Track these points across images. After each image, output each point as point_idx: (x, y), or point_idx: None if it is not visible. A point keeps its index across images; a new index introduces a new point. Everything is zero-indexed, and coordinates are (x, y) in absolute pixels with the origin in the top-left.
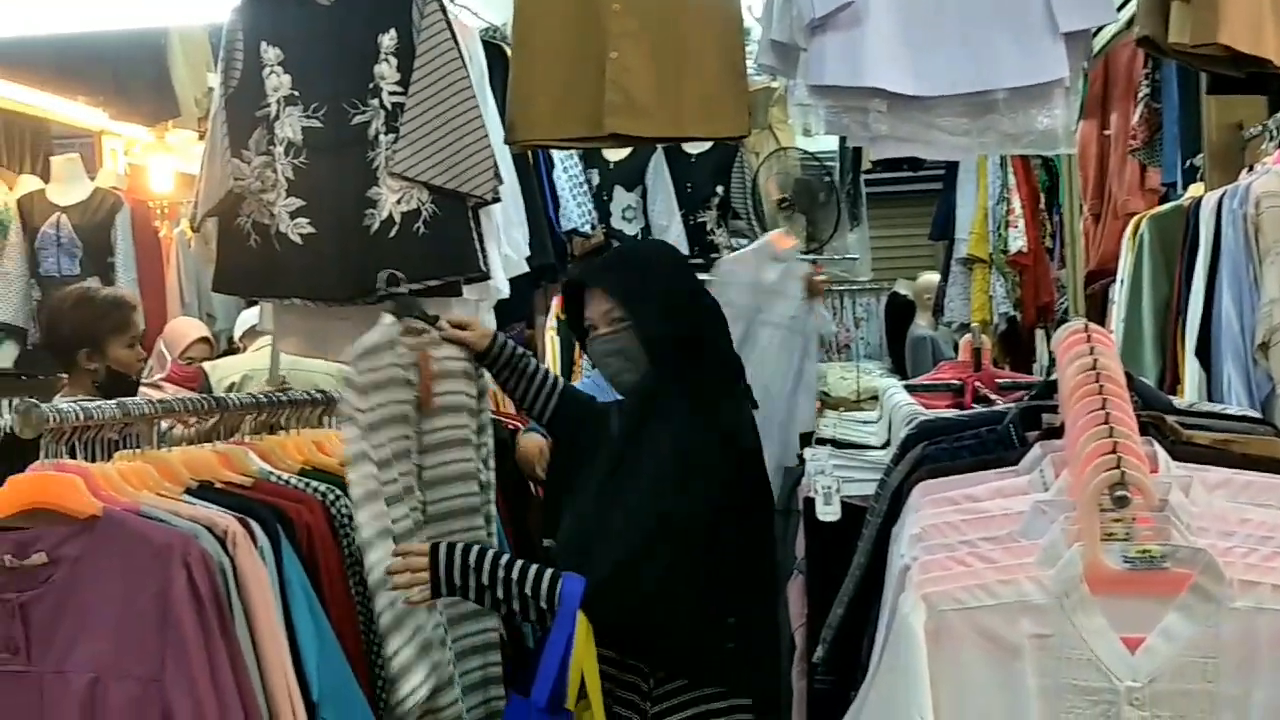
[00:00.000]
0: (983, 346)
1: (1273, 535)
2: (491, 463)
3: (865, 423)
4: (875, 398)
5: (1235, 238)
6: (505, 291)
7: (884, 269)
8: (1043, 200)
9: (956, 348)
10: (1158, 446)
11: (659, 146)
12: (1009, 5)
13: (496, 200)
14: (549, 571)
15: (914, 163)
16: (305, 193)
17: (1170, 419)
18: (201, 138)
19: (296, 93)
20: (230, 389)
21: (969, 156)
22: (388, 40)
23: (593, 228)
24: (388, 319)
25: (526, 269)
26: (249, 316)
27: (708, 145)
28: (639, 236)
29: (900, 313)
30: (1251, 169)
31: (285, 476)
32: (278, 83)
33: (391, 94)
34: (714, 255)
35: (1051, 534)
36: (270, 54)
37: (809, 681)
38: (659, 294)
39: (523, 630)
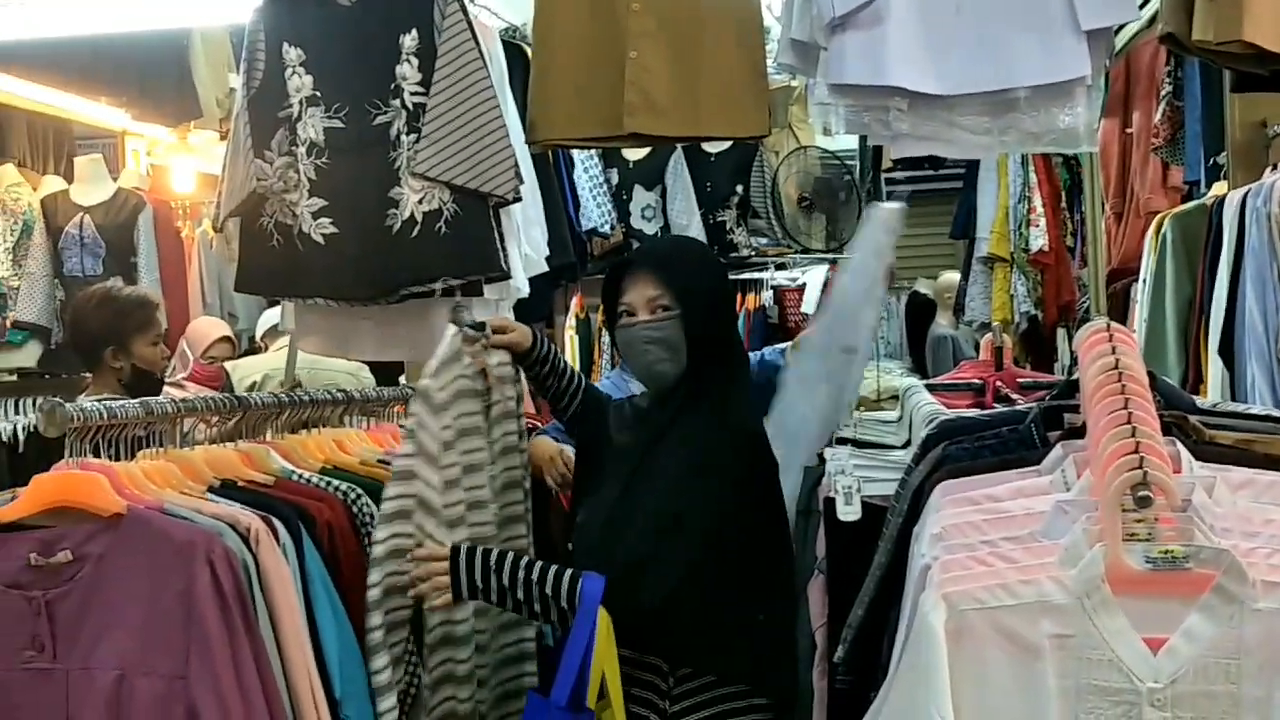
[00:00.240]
0: (1004, 346)
1: None
2: (530, 468)
3: (885, 422)
4: (895, 397)
5: (1259, 236)
6: (525, 291)
7: (904, 268)
8: (1064, 199)
9: (977, 347)
10: (1180, 446)
11: (678, 146)
12: (1030, 3)
13: (517, 200)
14: (569, 571)
15: (935, 161)
16: (327, 193)
17: (1193, 419)
18: (223, 138)
19: (318, 93)
20: (252, 388)
21: (990, 155)
22: (409, 41)
23: (612, 228)
24: (451, 329)
25: (546, 268)
26: (270, 316)
27: (727, 144)
28: (658, 235)
29: (921, 312)
30: (1276, 167)
31: (307, 475)
32: (300, 83)
33: (413, 94)
34: (733, 254)
35: (1073, 534)
36: (292, 55)
37: (829, 681)
38: (709, 291)
39: (541, 630)
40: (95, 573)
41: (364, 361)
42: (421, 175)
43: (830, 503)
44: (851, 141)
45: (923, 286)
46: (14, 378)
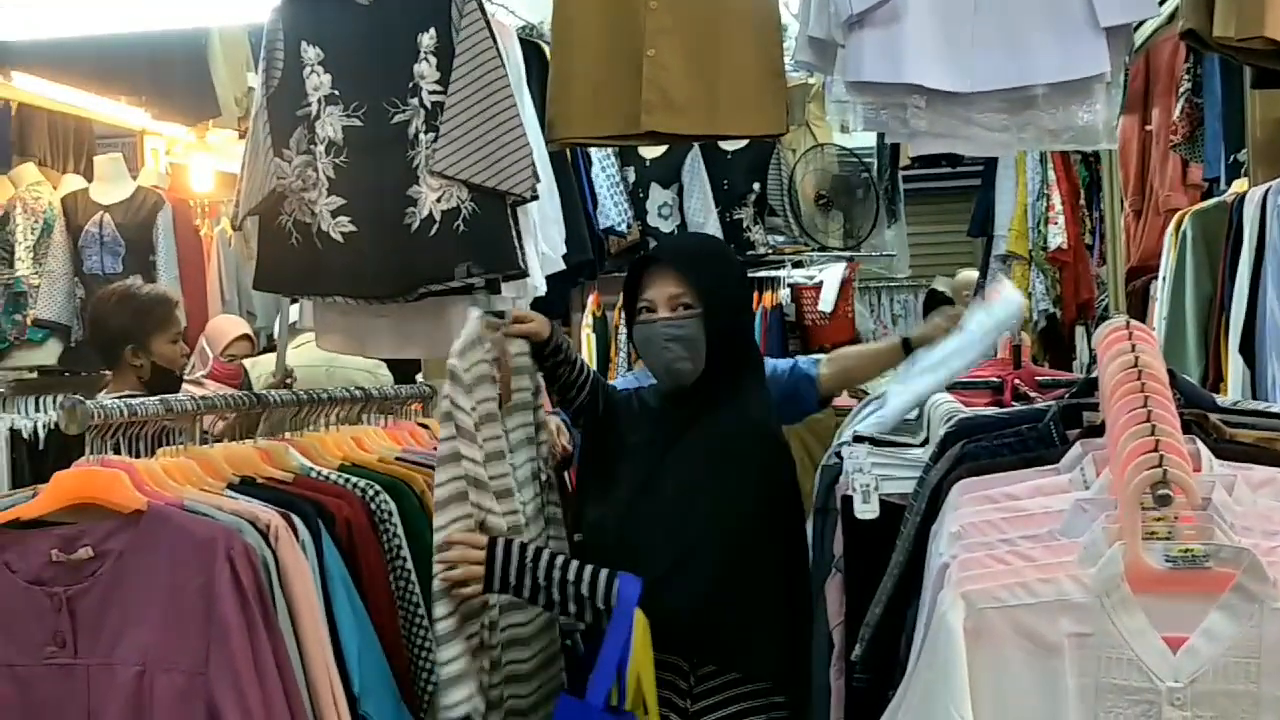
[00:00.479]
0: (1022, 344)
1: None
2: (551, 462)
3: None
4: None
5: None
6: (542, 289)
7: (922, 266)
8: (1083, 196)
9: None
10: (1201, 445)
11: (695, 144)
12: (1050, 0)
13: (535, 198)
14: (604, 571)
15: (952, 159)
16: (346, 191)
17: (1213, 417)
18: (242, 137)
19: (337, 92)
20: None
21: (1008, 153)
22: (427, 39)
23: (628, 227)
24: (475, 312)
25: (563, 266)
26: (289, 314)
27: (744, 142)
28: (674, 233)
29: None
30: None
31: (325, 472)
32: (318, 82)
33: (431, 93)
34: (750, 252)
35: (1092, 532)
36: (310, 53)
37: (847, 679)
38: (731, 290)
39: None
40: (116, 569)
41: (382, 359)
42: (440, 174)
43: (848, 501)
44: (869, 139)
45: (940, 284)
46: (34, 375)
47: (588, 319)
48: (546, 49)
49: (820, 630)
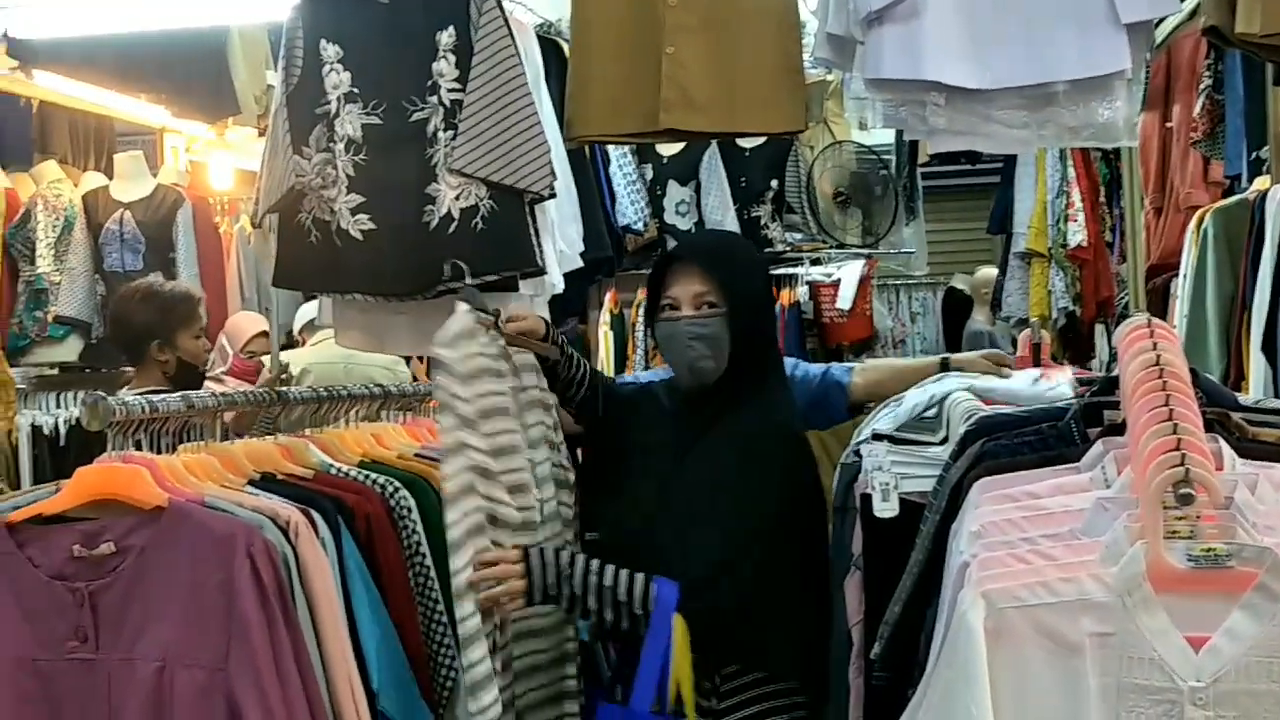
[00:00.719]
0: (1042, 342)
1: None
2: (568, 461)
3: (923, 418)
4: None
5: None
6: (560, 287)
7: (941, 263)
8: (1103, 193)
9: (1015, 343)
10: (1223, 443)
11: (713, 141)
12: None
13: (552, 196)
14: (640, 576)
15: (971, 156)
16: (365, 189)
17: (1235, 415)
18: (261, 135)
19: (356, 90)
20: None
21: (1028, 150)
22: (446, 37)
23: (645, 225)
24: (463, 307)
25: (581, 264)
26: (308, 310)
27: (762, 139)
28: (692, 231)
29: (957, 307)
30: None
31: (345, 469)
32: (337, 80)
33: (450, 91)
34: (768, 250)
35: (1114, 531)
36: (330, 51)
37: (866, 678)
38: (755, 290)
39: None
40: (137, 565)
41: (400, 356)
42: (458, 171)
43: (867, 499)
44: (887, 136)
45: (959, 282)
46: (55, 372)
47: (605, 316)
48: (565, 46)
49: (839, 629)
